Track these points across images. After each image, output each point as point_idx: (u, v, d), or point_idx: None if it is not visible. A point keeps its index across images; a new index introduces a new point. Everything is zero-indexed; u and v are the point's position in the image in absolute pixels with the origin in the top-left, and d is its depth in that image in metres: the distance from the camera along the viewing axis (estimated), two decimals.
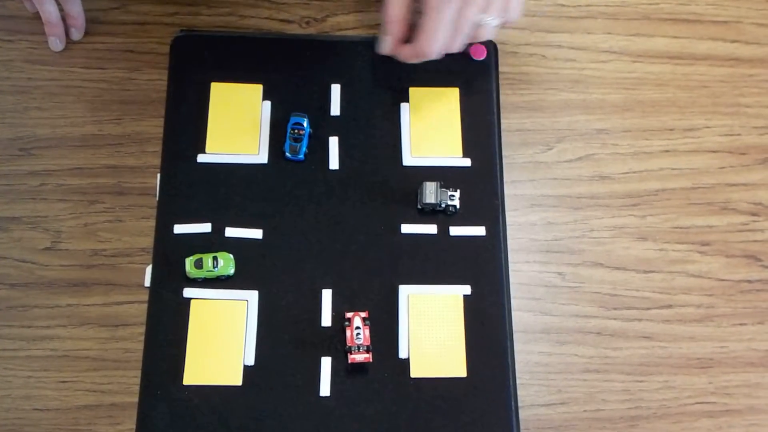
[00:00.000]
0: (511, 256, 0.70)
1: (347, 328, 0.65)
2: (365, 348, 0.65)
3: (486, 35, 0.68)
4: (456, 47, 0.67)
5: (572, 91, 0.76)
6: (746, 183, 0.74)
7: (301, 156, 0.70)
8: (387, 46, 0.68)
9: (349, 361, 0.64)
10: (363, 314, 0.65)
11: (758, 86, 0.77)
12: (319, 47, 0.75)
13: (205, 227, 0.68)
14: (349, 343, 0.64)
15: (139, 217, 0.70)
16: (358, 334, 0.65)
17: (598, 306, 0.70)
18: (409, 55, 0.68)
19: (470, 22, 0.65)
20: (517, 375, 0.66)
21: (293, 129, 0.70)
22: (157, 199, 0.69)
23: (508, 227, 0.71)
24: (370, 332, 0.65)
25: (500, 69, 0.76)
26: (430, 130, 0.73)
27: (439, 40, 0.65)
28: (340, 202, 0.70)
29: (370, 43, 0.74)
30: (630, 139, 0.75)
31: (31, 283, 0.68)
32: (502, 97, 0.75)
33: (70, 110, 0.73)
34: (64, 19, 0.74)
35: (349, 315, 0.65)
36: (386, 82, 0.73)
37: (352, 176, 0.71)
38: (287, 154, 0.70)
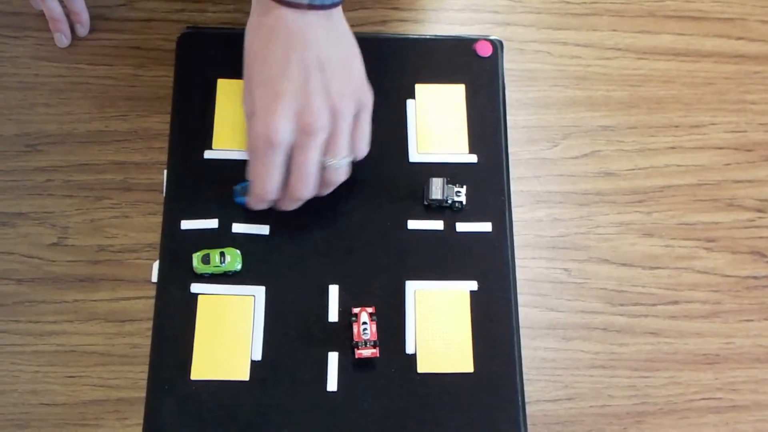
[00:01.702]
0: (518, 252, 0.70)
1: (354, 323, 0.65)
2: (372, 343, 0.65)
3: (335, 178, 0.65)
4: (303, 192, 0.63)
5: (578, 87, 0.76)
6: (752, 179, 0.74)
7: None
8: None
9: (356, 357, 0.64)
10: (370, 310, 0.65)
11: (764, 83, 0.77)
12: None
13: (212, 223, 0.68)
14: (356, 339, 0.65)
15: (146, 212, 0.70)
16: (365, 329, 0.65)
17: (605, 302, 0.70)
18: (252, 202, 0.66)
19: (309, 168, 0.62)
20: (524, 370, 0.66)
21: None
22: (164, 195, 0.69)
23: (514, 223, 0.71)
24: (377, 327, 0.65)
25: (506, 66, 0.76)
26: (436, 127, 0.73)
27: (269, 183, 0.62)
28: (347, 198, 0.70)
29: (375, 40, 0.75)
30: (635, 136, 0.75)
31: (38, 278, 0.68)
32: (507, 94, 0.75)
33: (76, 106, 0.73)
34: (68, 15, 0.74)
35: (356, 310, 0.65)
36: (392, 79, 0.73)
37: (358, 172, 0.70)
38: None
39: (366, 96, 0.65)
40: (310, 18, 0.61)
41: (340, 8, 0.64)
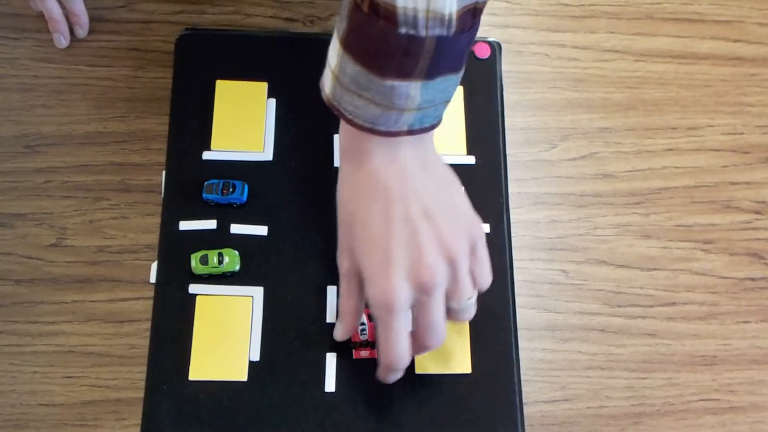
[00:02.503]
0: (516, 254, 0.70)
1: None
2: (370, 344, 0.65)
3: (462, 318, 0.61)
4: (433, 344, 0.59)
5: (575, 89, 0.76)
6: (749, 181, 0.74)
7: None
8: (338, 333, 0.63)
9: (354, 357, 0.65)
10: (368, 310, 0.66)
11: (761, 85, 0.77)
12: (323, 45, 0.75)
13: (211, 224, 0.68)
14: (353, 339, 0.65)
15: (144, 213, 0.70)
16: (362, 330, 0.65)
17: (602, 303, 0.70)
18: (382, 374, 0.61)
19: (436, 320, 0.58)
20: (522, 372, 0.67)
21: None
22: (162, 195, 0.70)
23: (512, 225, 0.71)
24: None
25: (504, 68, 0.76)
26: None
27: (399, 350, 0.58)
28: None
29: None
30: (633, 138, 0.75)
31: (36, 279, 0.68)
32: (505, 96, 0.75)
33: (75, 108, 0.73)
34: (67, 16, 0.74)
35: None
36: None
37: None
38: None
39: (477, 229, 0.61)
40: (404, 151, 0.58)
41: (431, 136, 0.60)
